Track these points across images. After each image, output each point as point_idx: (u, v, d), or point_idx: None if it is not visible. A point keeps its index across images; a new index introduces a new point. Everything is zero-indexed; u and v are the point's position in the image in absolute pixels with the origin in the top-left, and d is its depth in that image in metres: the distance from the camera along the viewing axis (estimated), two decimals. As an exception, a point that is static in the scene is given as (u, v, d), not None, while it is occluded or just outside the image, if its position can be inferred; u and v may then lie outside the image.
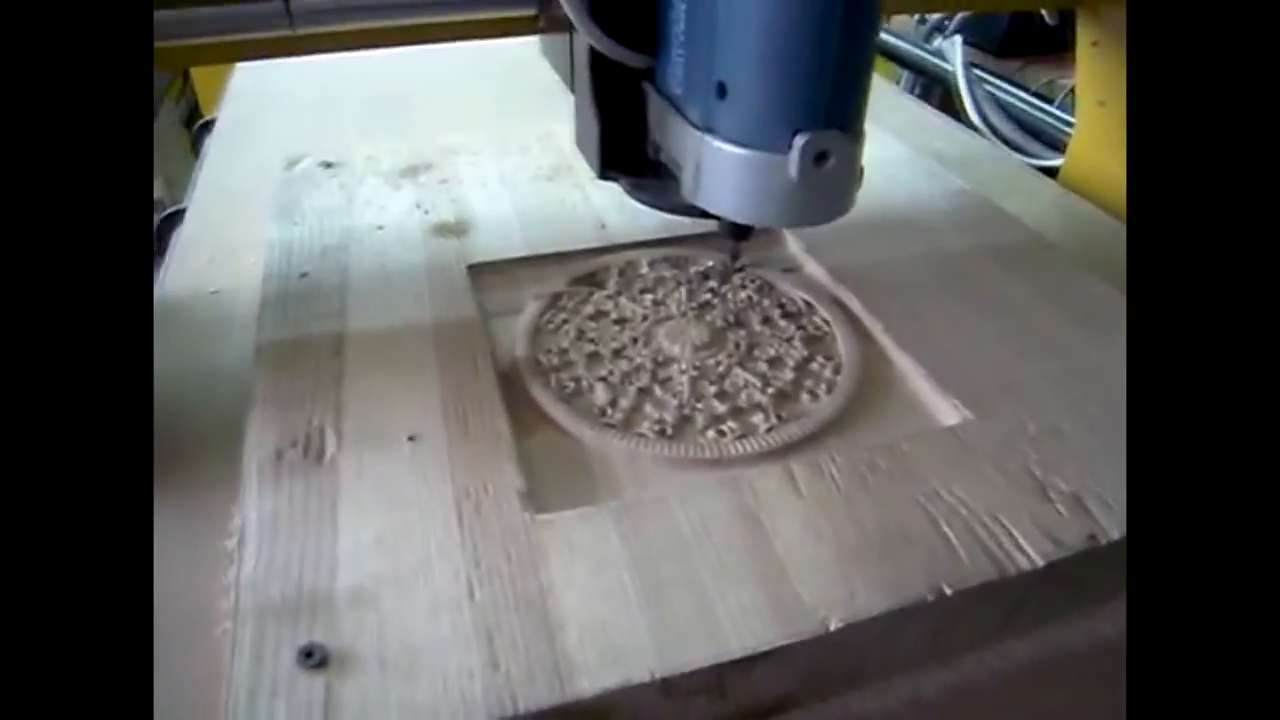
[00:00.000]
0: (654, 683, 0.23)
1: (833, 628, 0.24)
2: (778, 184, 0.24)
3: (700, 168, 0.25)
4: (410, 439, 0.31)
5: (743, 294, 0.40)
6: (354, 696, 0.22)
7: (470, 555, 0.26)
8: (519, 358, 0.36)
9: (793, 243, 0.46)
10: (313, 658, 0.23)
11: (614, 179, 0.31)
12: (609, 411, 0.33)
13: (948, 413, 0.33)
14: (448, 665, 0.23)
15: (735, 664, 0.24)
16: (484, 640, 0.24)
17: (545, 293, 0.40)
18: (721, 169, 0.25)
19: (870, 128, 0.25)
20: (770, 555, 0.26)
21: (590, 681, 0.23)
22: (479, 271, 0.42)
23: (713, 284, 0.41)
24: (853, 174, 0.25)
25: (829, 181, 0.24)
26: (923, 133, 0.60)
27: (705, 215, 0.27)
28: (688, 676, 0.23)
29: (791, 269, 0.44)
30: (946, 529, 0.27)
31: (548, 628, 0.24)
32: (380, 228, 0.45)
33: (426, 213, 0.46)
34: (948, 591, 0.25)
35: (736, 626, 0.24)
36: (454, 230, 0.45)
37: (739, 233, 0.30)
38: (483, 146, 0.54)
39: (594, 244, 0.44)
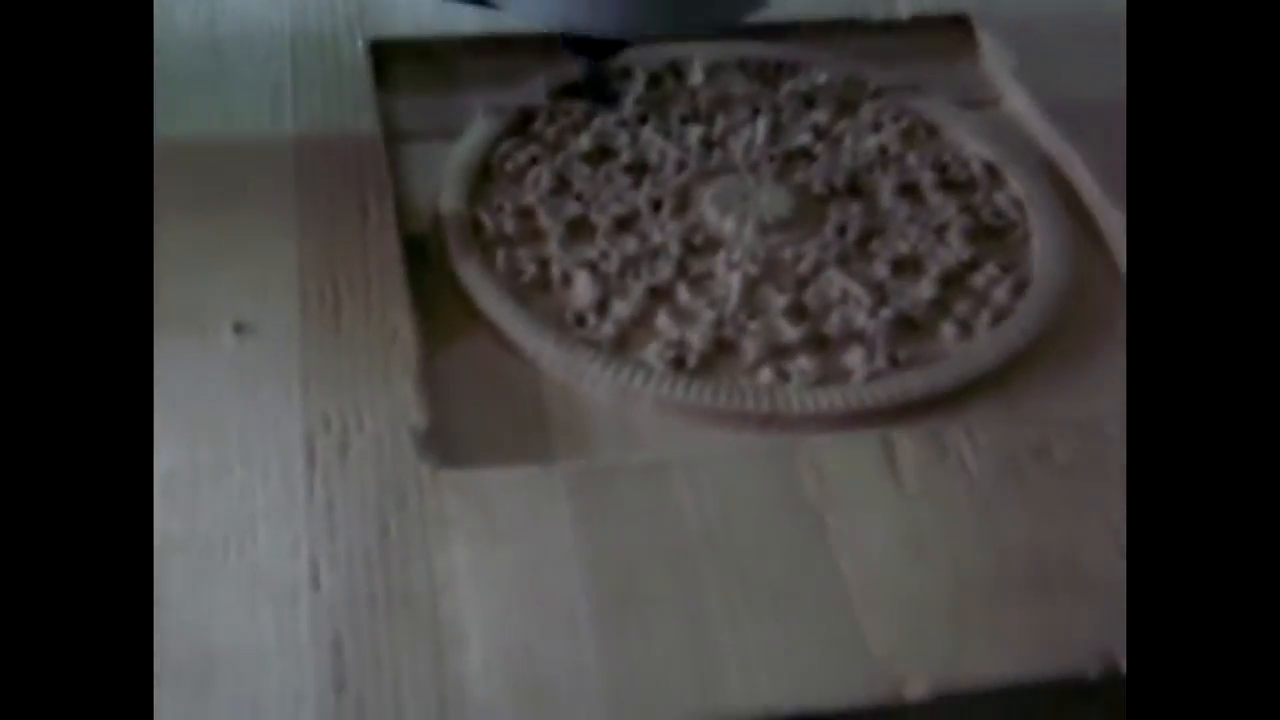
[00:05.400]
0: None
1: (912, 697, 0.30)
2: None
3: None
4: (236, 329, 0.37)
5: (873, 139, 0.46)
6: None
7: (321, 520, 0.33)
8: (446, 214, 0.42)
9: (991, 54, 0.50)
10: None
11: None
12: (591, 320, 0.39)
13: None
14: (265, 684, 0.30)
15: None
16: (328, 651, 0.30)
17: (507, 105, 0.46)
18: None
19: None
20: (827, 574, 0.32)
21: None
22: (392, 56, 0.47)
23: (819, 116, 0.47)
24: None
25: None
26: None
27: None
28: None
29: (979, 102, 0.49)
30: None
31: (436, 641, 0.31)
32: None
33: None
34: (1124, 667, 0.30)
35: (749, 678, 0.30)
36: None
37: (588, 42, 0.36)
38: None
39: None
